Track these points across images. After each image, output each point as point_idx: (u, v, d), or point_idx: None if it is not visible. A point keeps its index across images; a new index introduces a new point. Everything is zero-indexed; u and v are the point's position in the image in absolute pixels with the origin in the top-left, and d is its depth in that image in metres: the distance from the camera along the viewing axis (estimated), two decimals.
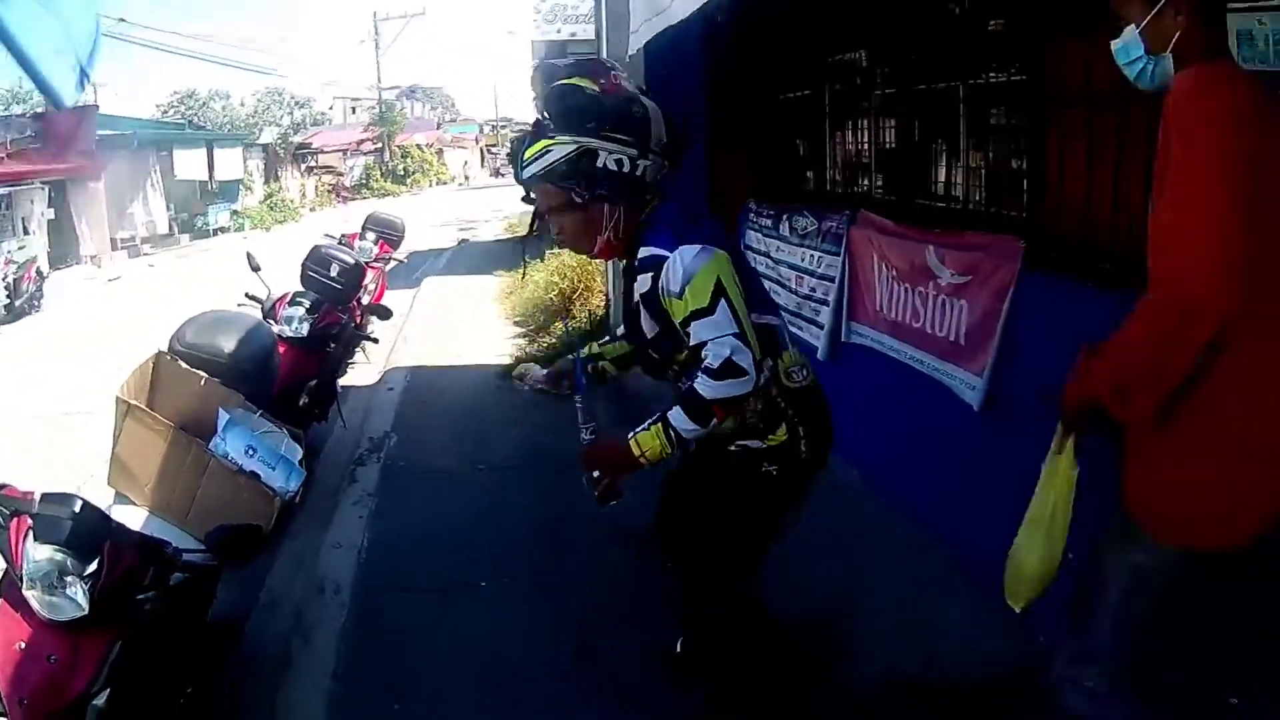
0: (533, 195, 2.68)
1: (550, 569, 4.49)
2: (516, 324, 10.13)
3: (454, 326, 10.36)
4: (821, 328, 5.03)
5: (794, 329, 5.21)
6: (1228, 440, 2.06)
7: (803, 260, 5.22)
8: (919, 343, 4.13)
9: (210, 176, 28.48)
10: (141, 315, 12.26)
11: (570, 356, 3.00)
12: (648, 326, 2.65)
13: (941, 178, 4.23)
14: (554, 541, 4.63)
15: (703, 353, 2.42)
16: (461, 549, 4.72)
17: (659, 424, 2.51)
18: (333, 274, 6.35)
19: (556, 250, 10.30)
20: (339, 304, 6.32)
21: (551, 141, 2.55)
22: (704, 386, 2.42)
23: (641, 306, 2.62)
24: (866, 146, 4.92)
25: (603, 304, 8.27)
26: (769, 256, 5.68)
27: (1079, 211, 3.32)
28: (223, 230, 28.50)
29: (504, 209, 24.31)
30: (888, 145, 4.70)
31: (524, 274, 9.86)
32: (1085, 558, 2.35)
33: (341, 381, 6.85)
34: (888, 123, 4.68)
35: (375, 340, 7.27)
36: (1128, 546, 2.20)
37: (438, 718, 3.43)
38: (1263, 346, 2.01)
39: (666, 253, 2.50)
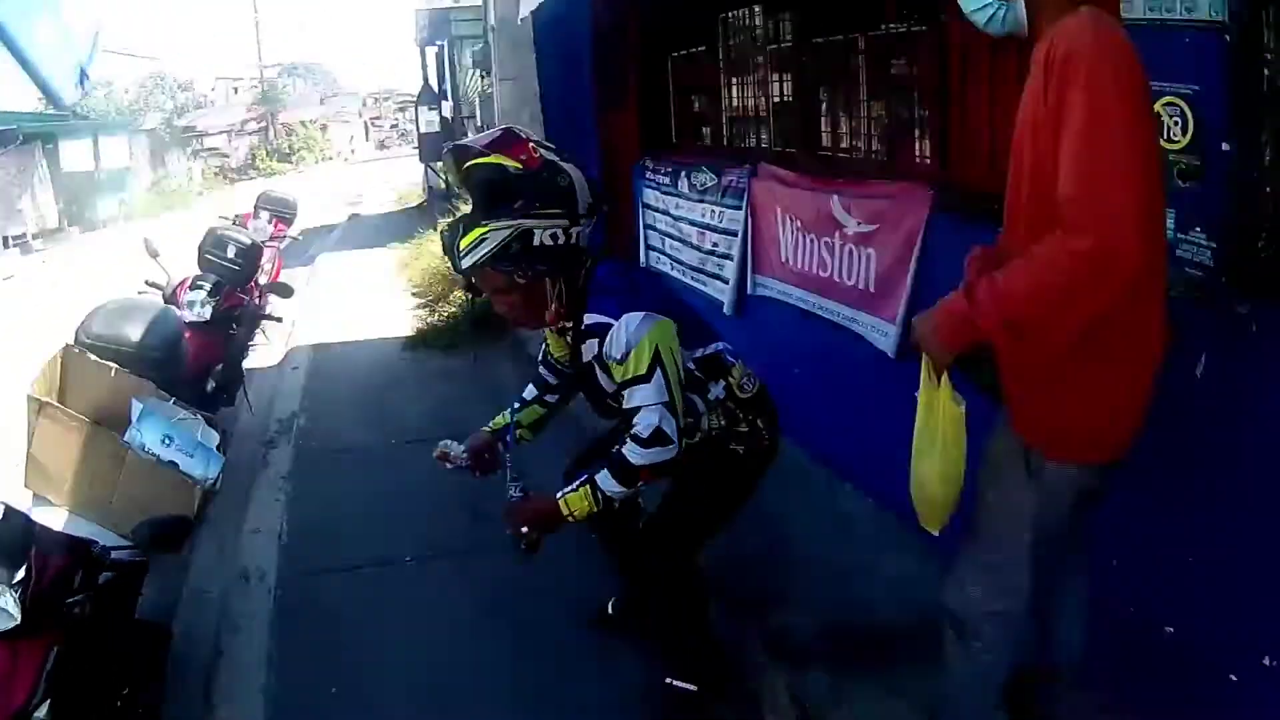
0: (474, 280, 2.63)
1: (473, 539, 4.31)
2: (415, 295, 9.80)
3: (353, 302, 10.00)
4: (726, 282, 4.90)
5: (697, 285, 5.11)
6: (1112, 366, 2.05)
7: (703, 216, 5.09)
8: (828, 292, 4.03)
9: (97, 166, 26.72)
10: (42, 312, 11.54)
11: (487, 428, 3.04)
12: (605, 383, 2.66)
13: (844, 129, 4.11)
14: (475, 512, 4.41)
15: (634, 419, 2.51)
16: (382, 525, 4.54)
17: (587, 485, 2.58)
18: (230, 255, 5.98)
19: (448, 213, 9.96)
20: (239, 285, 5.96)
21: (486, 229, 2.50)
22: (632, 454, 2.52)
23: (597, 367, 2.64)
24: (765, 100, 4.78)
25: None
26: (668, 214, 5.53)
27: (985, 156, 3.25)
28: (112, 220, 26.97)
29: (391, 181, 23.61)
30: (787, 99, 4.57)
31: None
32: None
33: (245, 364, 6.49)
34: (786, 76, 4.54)
35: (278, 319, 6.91)
36: (1018, 466, 2.14)
37: (376, 698, 3.27)
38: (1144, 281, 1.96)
39: (611, 320, 2.53)
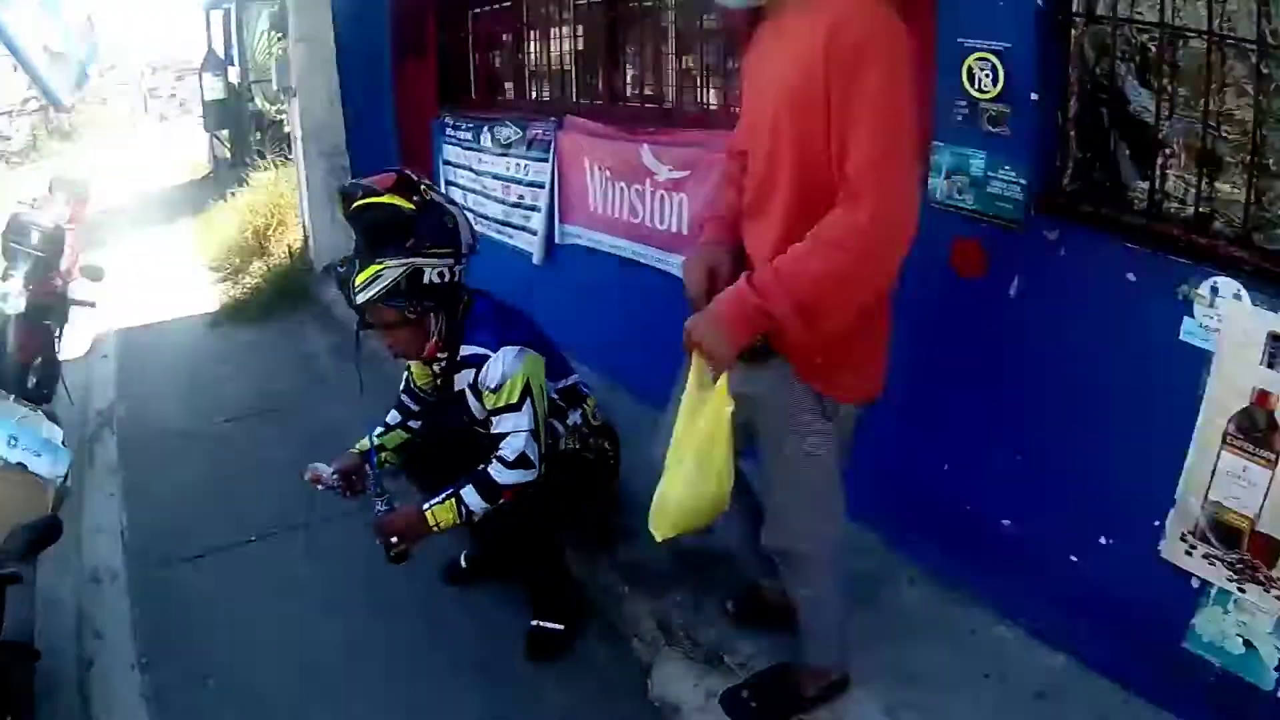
0: (367, 316, 2.65)
1: (322, 502, 3.85)
2: (214, 269, 8.85)
3: (153, 280, 8.87)
4: (535, 233, 4.70)
5: (503, 238, 4.87)
6: (880, 320, 2.18)
7: (508, 170, 4.86)
8: (639, 237, 3.94)
9: None
10: None
11: (354, 450, 2.97)
12: (476, 409, 2.75)
13: (652, 80, 3.96)
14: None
15: (503, 445, 2.61)
16: (222, 507, 4.15)
17: (453, 499, 2.62)
18: (34, 242, 5.16)
19: (245, 187, 9.08)
20: (47, 273, 5.16)
21: (381, 266, 2.53)
22: (497, 473, 2.61)
23: (470, 394, 2.73)
24: (571, 54, 4.57)
25: (300, 238, 7.34)
26: (471, 169, 5.25)
27: None
28: None
29: (175, 153, 21.63)
30: (594, 51, 4.32)
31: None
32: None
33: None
34: (592, 29, 4.35)
35: (91, 304, 6.06)
36: (816, 412, 2.17)
37: (252, 682, 3.00)
38: None
39: (489, 352, 2.63)
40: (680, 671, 2.75)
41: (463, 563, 3.33)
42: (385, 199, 2.55)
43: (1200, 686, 2.20)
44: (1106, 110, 2.33)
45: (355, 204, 2.57)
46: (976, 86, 2.47)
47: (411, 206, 2.56)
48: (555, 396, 2.83)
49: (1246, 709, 2.12)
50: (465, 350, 2.69)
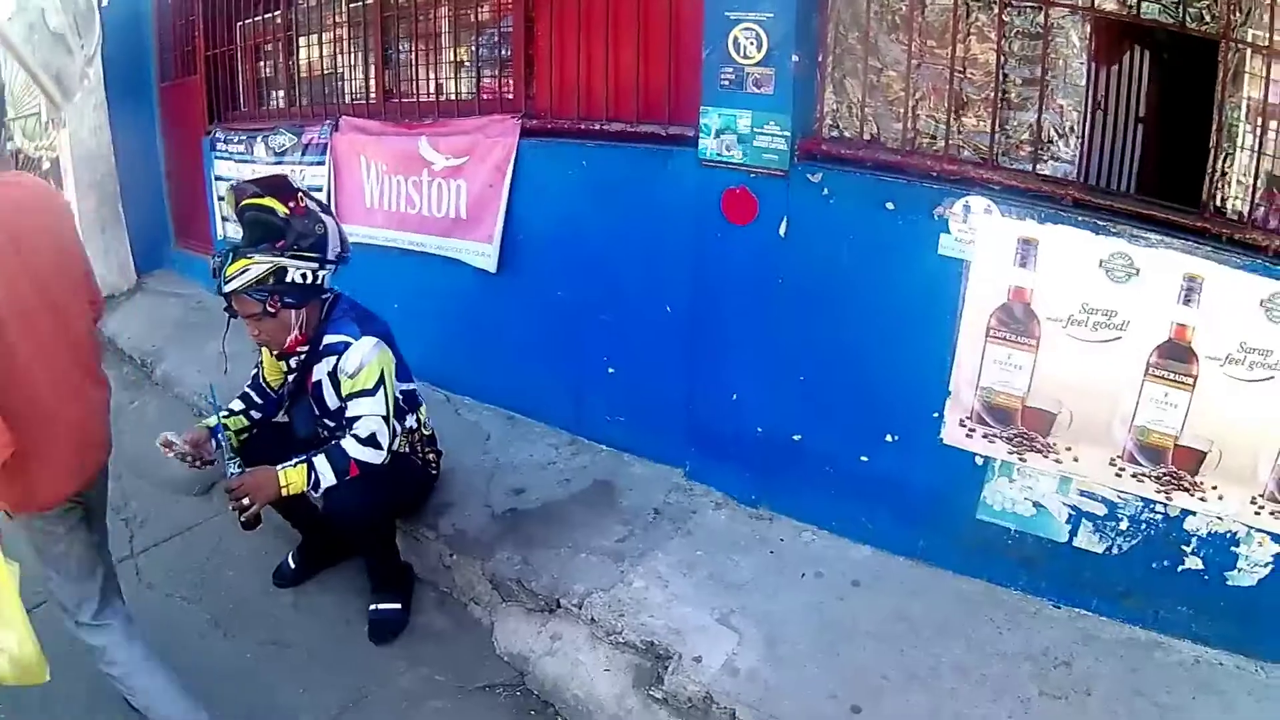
0: (233, 304, 2.34)
1: (140, 532, 3.21)
2: None
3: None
4: None
5: None
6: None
7: None
8: (419, 227, 3.36)
9: None
10: None
11: (204, 423, 2.50)
12: (331, 399, 2.44)
13: (426, 74, 3.42)
14: (127, 516, 3.30)
15: (356, 424, 2.34)
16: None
17: (305, 464, 2.32)
18: None
19: None
20: None
21: (249, 261, 2.28)
22: (350, 447, 2.33)
23: (328, 381, 2.42)
24: (343, 56, 3.84)
25: None
26: None
27: (568, 87, 2.85)
28: None
29: None
30: (365, 51, 3.70)
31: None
32: None
33: None
34: (361, 29, 3.67)
35: None
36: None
37: (112, 715, 2.20)
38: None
39: (351, 339, 2.36)
40: (522, 624, 2.36)
41: (290, 562, 2.79)
42: (265, 201, 2.31)
43: (1001, 550, 2.10)
44: (862, 65, 2.17)
45: (241, 201, 2.34)
46: (742, 53, 2.26)
47: (286, 211, 2.31)
48: (399, 396, 2.51)
49: (1046, 561, 2.05)
50: (328, 339, 2.41)
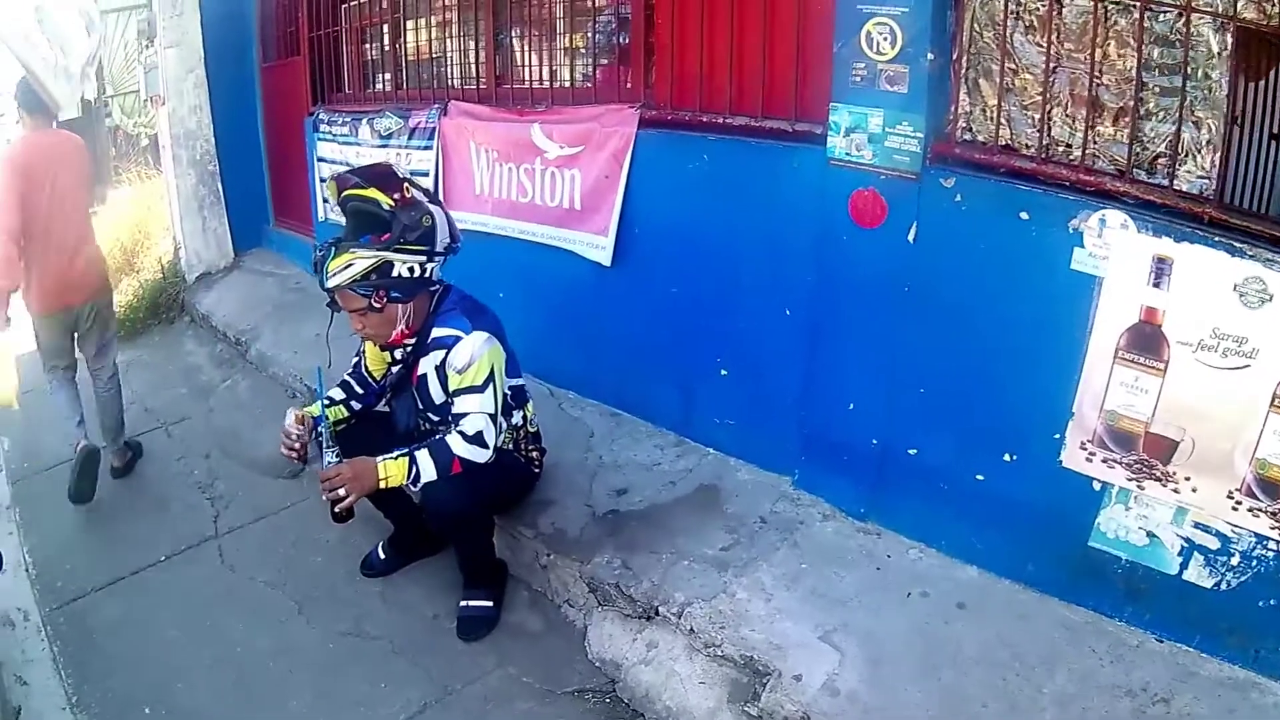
0: (336, 298, 2.64)
1: (226, 513, 3.73)
2: None
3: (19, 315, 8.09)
4: None
5: None
6: None
7: (390, 160, 4.46)
8: (530, 216, 3.82)
9: None
10: None
11: (309, 410, 2.83)
12: (437, 393, 2.75)
13: (540, 60, 3.88)
14: (213, 495, 3.83)
15: (462, 420, 2.61)
16: (126, 529, 3.75)
17: (406, 457, 2.59)
18: None
19: (105, 205, 8.30)
20: None
21: (353, 255, 2.55)
22: (455, 443, 2.59)
23: (434, 375, 2.73)
24: (453, 40, 4.37)
25: (170, 249, 6.78)
26: (347, 165, 4.84)
27: (690, 77, 3.22)
28: None
29: None
30: (477, 34, 4.20)
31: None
32: None
33: None
34: (475, 15, 4.18)
35: None
36: None
37: (189, 702, 2.73)
38: None
39: (462, 333, 2.65)
40: (617, 629, 2.71)
41: (380, 553, 3.20)
42: (368, 192, 2.57)
43: (1109, 579, 2.35)
44: (998, 66, 2.44)
45: (344, 192, 2.62)
46: (875, 49, 2.54)
47: (390, 203, 2.57)
48: (508, 393, 2.83)
49: (1154, 594, 2.28)
50: (437, 332, 2.70)
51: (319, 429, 2.72)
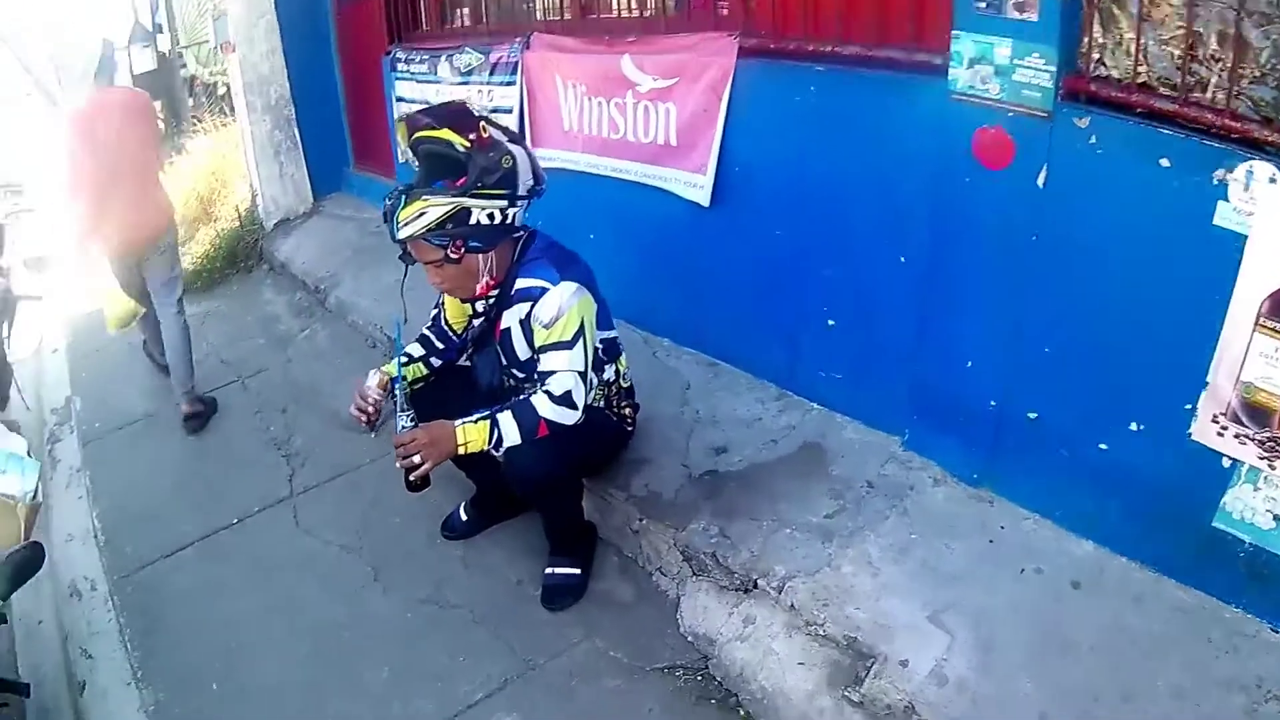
0: (409, 250, 2.58)
1: (302, 470, 3.84)
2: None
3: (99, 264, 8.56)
4: None
5: None
6: None
7: (470, 98, 4.56)
8: (623, 153, 3.80)
9: None
10: None
11: (386, 369, 2.83)
12: (522, 349, 2.70)
13: None
14: (289, 452, 3.96)
15: (549, 380, 2.56)
16: (196, 493, 3.90)
17: (488, 420, 2.54)
18: None
19: (184, 155, 8.58)
20: None
21: (426, 203, 2.46)
22: (541, 405, 2.54)
23: (519, 330, 2.67)
24: None
25: (248, 197, 7.01)
26: (427, 103, 4.89)
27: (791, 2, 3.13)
28: None
29: None
30: None
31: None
32: None
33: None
34: None
35: (39, 298, 5.69)
36: None
37: (259, 677, 2.83)
38: None
39: (548, 285, 2.57)
40: (712, 602, 2.74)
41: (462, 514, 3.25)
42: (441, 133, 2.47)
43: (1230, 562, 2.27)
44: None
45: (414, 135, 2.52)
46: None
47: (466, 144, 2.46)
48: (599, 346, 2.79)
49: (1274, 579, 2.20)
50: (521, 284, 2.63)
51: (394, 389, 2.71)
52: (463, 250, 2.53)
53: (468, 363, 2.94)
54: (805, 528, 2.74)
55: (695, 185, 3.47)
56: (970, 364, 2.77)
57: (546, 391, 2.56)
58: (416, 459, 2.52)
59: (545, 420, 2.55)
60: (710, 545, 2.76)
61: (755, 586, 2.63)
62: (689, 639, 2.70)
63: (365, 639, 2.88)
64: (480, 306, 2.76)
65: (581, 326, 2.57)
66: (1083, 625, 2.31)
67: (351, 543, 3.30)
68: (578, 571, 2.92)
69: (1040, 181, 2.45)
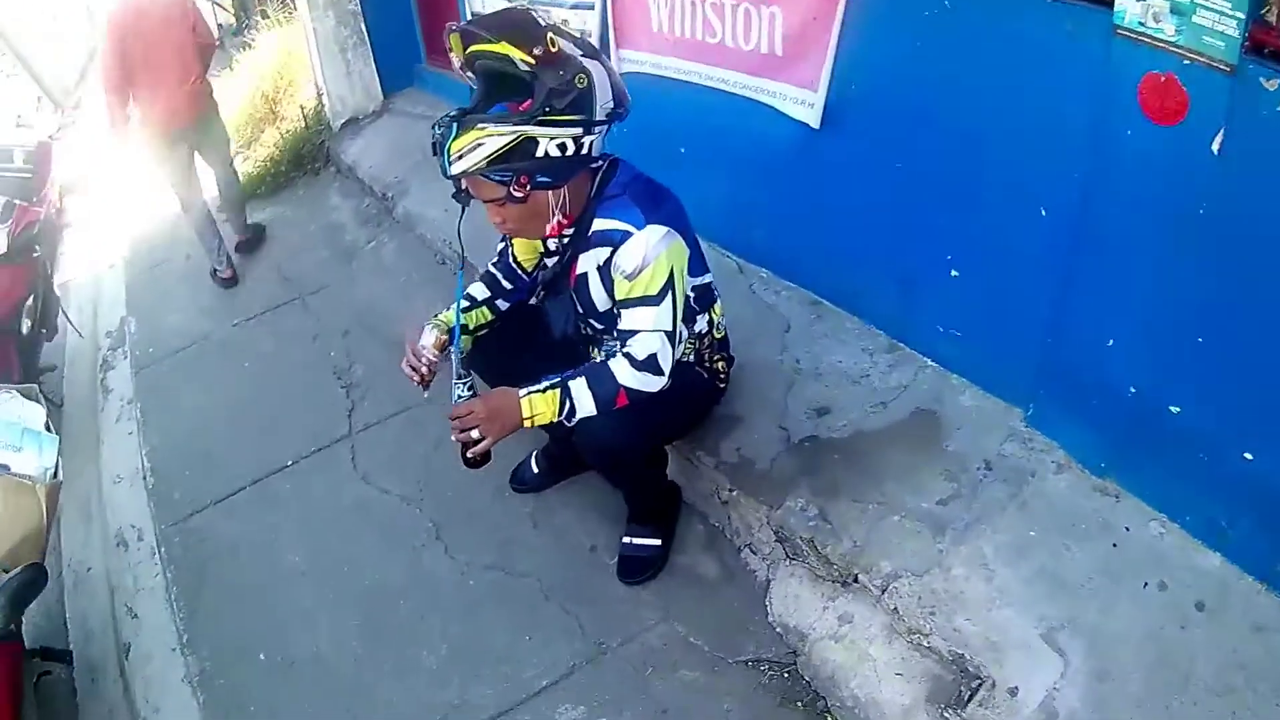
0: (463, 186, 2.30)
1: (362, 405, 3.81)
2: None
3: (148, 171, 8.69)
4: None
5: None
6: None
7: None
8: (719, 61, 3.54)
9: None
10: None
11: (441, 320, 2.64)
12: (600, 299, 2.49)
13: None
14: (349, 383, 3.91)
15: (631, 340, 2.35)
16: (251, 428, 3.91)
17: (558, 389, 2.35)
18: (17, 163, 4.97)
19: (250, 51, 8.63)
20: (32, 196, 4.88)
21: (483, 131, 2.14)
22: (620, 371, 2.35)
23: (597, 277, 2.45)
24: None
25: (314, 96, 6.96)
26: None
27: None
28: None
29: None
30: None
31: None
32: None
33: (58, 280, 5.47)
34: None
35: (76, 225, 5.81)
36: None
37: (309, 649, 2.85)
38: None
39: (632, 229, 2.33)
40: (806, 591, 2.67)
41: (534, 465, 3.15)
42: (499, 47, 2.13)
43: None
44: None
45: (469, 49, 2.18)
46: None
47: (530, 60, 2.12)
48: (689, 294, 2.56)
49: None
50: (601, 224, 2.38)
51: (451, 348, 2.49)
52: (528, 188, 2.24)
53: (536, 301, 2.74)
54: (915, 515, 2.64)
55: (804, 103, 3.24)
56: (1112, 343, 2.59)
57: (627, 354, 2.35)
58: (474, 434, 2.34)
59: (625, 389, 2.35)
60: (809, 529, 2.68)
61: (855, 580, 2.56)
62: (777, 630, 2.65)
63: (423, 611, 2.84)
64: (552, 245, 2.56)
65: (670, 278, 2.33)
66: (1204, 660, 2.21)
67: (411, 493, 3.25)
68: (658, 543, 2.85)
69: (1215, 146, 2.21)
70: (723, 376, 2.87)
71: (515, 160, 2.17)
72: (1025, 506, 2.63)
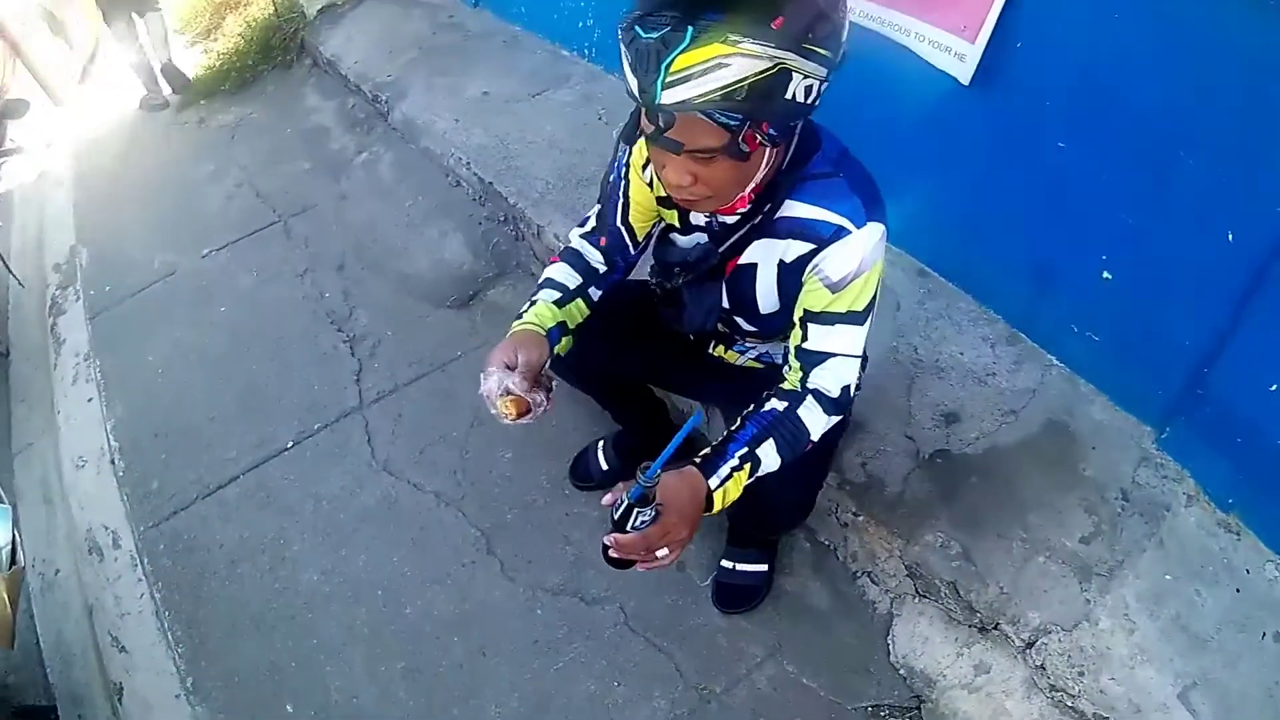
0: (669, 124, 1.74)
1: (371, 364, 3.52)
2: (177, 33, 7.59)
3: (108, 64, 7.73)
4: None
5: None
6: None
7: None
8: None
9: None
10: None
11: (528, 324, 2.17)
12: (768, 300, 2.17)
13: None
14: (352, 335, 3.64)
15: (823, 368, 2.04)
16: (237, 394, 3.58)
17: (747, 464, 1.98)
18: None
19: None
20: None
21: (732, 49, 1.60)
22: (814, 422, 2.04)
23: (772, 274, 2.11)
24: None
25: None
26: None
27: None
28: None
29: None
30: None
31: None
32: None
33: None
34: None
35: (20, 150, 5.28)
36: None
37: (349, 691, 2.68)
38: None
39: (848, 224, 1.96)
40: (936, 633, 2.74)
41: (600, 458, 2.91)
42: None
43: None
44: None
45: None
46: None
47: None
48: None
49: None
50: (803, 210, 2.00)
51: (636, 492, 1.82)
52: (758, 141, 1.81)
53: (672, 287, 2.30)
54: (1060, 556, 2.74)
55: (954, 53, 3.17)
56: (1275, 388, 2.72)
57: (817, 393, 2.04)
58: (664, 552, 1.90)
59: (813, 441, 2.07)
60: (951, 571, 2.73)
61: (996, 628, 2.66)
62: (900, 672, 2.68)
63: (483, 646, 2.64)
64: (703, 221, 2.17)
65: (877, 290, 2.03)
66: None
67: (449, 490, 3.02)
68: (764, 568, 2.78)
69: None
70: (858, 384, 2.56)
71: (758, 98, 1.69)
72: (1162, 546, 2.83)
